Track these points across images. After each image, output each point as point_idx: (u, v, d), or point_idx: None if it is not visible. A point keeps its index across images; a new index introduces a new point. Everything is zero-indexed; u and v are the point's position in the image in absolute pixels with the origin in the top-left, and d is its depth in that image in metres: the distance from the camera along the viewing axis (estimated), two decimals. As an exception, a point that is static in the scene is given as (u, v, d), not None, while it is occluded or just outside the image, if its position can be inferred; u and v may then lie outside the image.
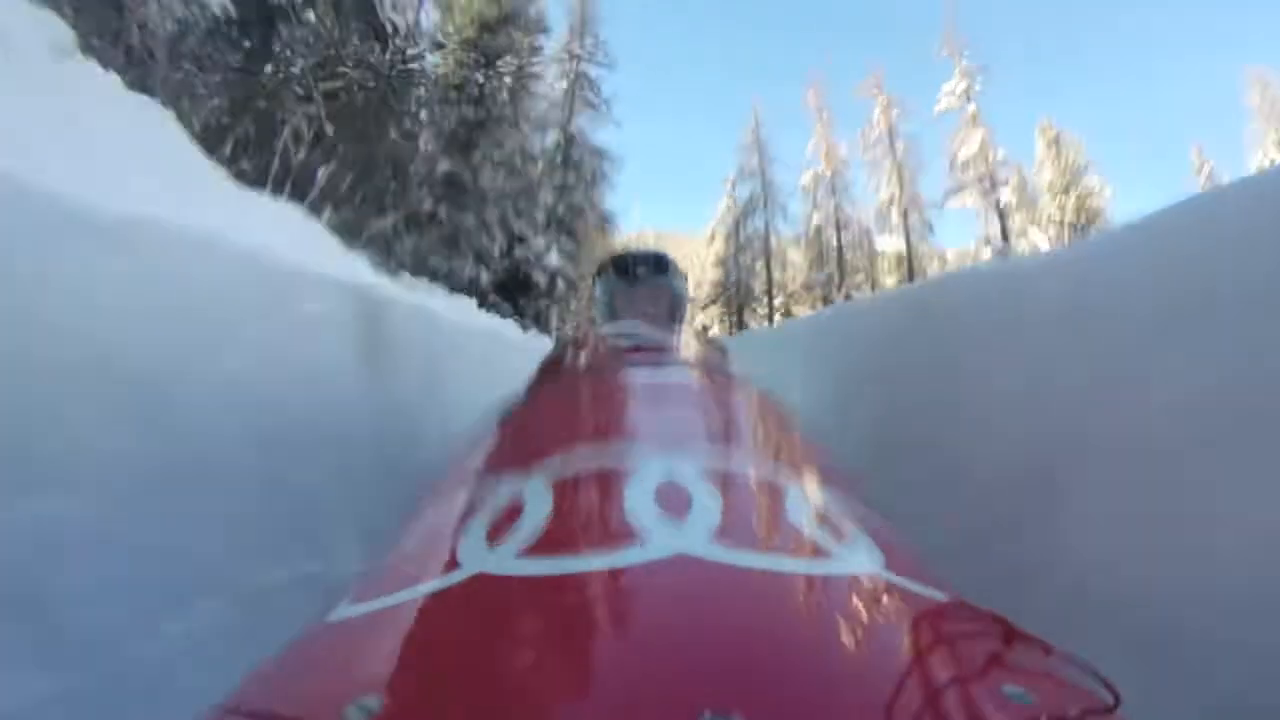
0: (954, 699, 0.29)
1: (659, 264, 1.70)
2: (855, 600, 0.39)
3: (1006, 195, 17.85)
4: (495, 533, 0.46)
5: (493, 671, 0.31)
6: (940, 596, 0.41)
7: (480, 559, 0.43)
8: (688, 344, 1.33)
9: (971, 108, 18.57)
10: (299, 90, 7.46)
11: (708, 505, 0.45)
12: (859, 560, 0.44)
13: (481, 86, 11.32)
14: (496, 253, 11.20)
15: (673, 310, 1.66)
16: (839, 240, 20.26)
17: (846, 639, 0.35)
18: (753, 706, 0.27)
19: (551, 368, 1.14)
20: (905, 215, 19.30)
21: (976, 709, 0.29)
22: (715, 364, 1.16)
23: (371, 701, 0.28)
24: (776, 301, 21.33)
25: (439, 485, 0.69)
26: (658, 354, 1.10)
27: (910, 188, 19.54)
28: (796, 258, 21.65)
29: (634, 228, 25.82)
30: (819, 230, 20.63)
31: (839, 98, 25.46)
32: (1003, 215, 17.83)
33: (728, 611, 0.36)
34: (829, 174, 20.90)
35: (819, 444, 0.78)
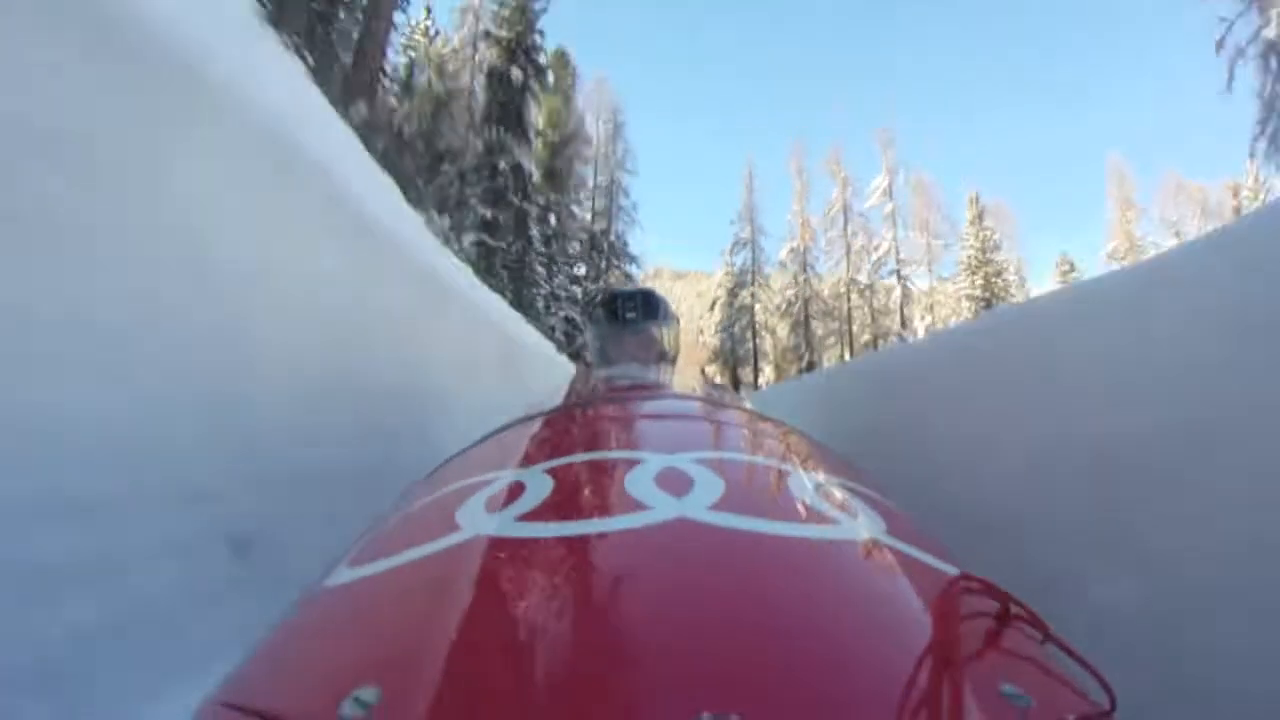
0: (953, 698, 0.27)
1: (648, 305, 1.67)
2: (856, 563, 0.39)
3: (909, 286, 22.82)
4: (494, 505, 0.45)
5: (490, 648, 0.31)
6: (940, 563, 0.42)
7: (480, 523, 0.42)
8: (686, 382, 1.37)
9: (890, 206, 22.82)
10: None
11: (709, 483, 0.45)
12: (860, 526, 0.44)
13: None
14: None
15: (662, 354, 1.66)
16: (806, 312, 23.70)
17: (847, 604, 0.35)
18: (752, 673, 0.27)
19: (557, 399, 1.13)
20: (848, 294, 23.30)
21: (975, 710, 0.28)
22: (717, 395, 1.21)
23: (369, 694, 0.28)
24: (768, 364, 23.62)
25: (435, 477, 0.68)
26: (657, 389, 1.12)
27: (858, 268, 23.25)
28: (781, 326, 24.22)
29: (651, 264, 26.80)
30: (791, 302, 24.02)
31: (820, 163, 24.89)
32: (903, 305, 22.51)
33: (728, 575, 0.35)
34: (802, 248, 24.08)
35: (820, 443, 0.79)
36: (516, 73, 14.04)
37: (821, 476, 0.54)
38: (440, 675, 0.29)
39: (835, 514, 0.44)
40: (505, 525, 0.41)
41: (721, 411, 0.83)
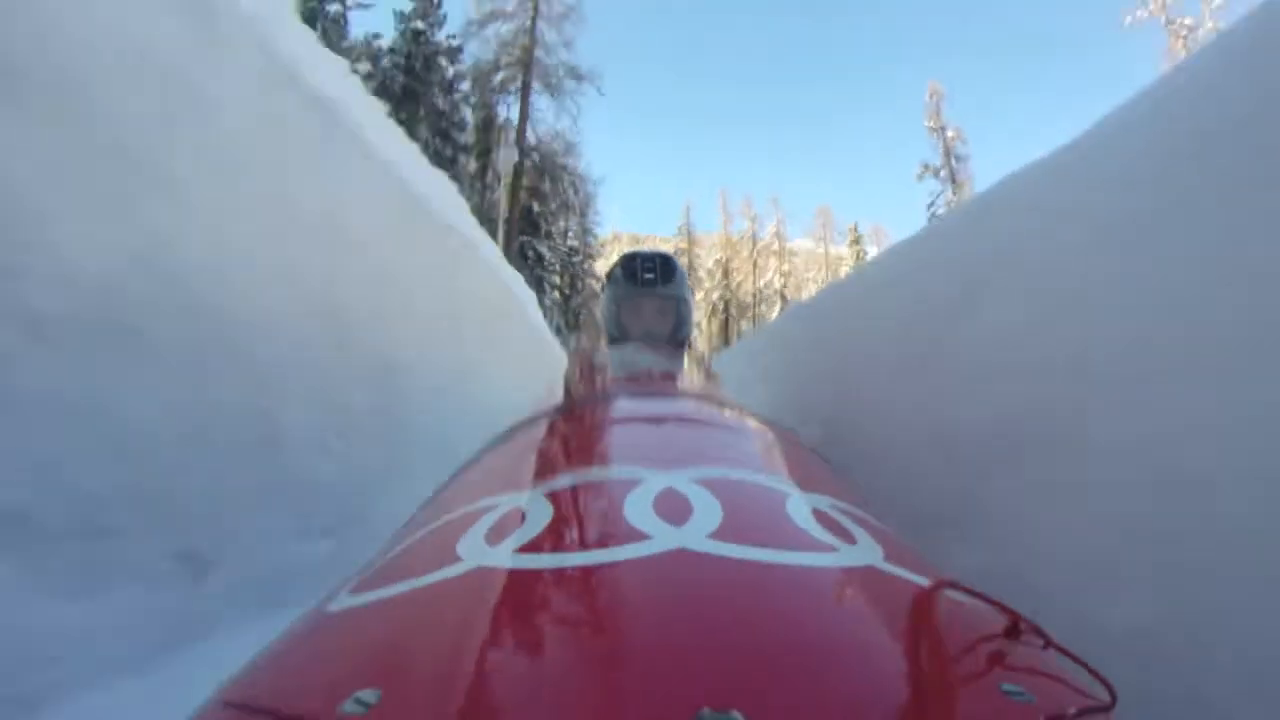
0: (954, 695, 0.28)
1: (666, 267, 1.70)
2: (854, 591, 0.39)
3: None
4: (495, 536, 0.45)
5: (491, 661, 0.31)
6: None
7: (480, 554, 0.42)
8: (688, 371, 1.37)
9: (775, 245, 29.68)
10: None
11: (707, 509, 0.45)
12: (858, 554, 0.44)
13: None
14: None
15: (679, 319, 1.69)
16: (727, 312, 29.11)
17: (846, 631, 0.34)
18: (752, 701, 0.26)
19: (555, 396, 1.13)
20: (755, 299, 28.87)
21: (977, 706, 0.28)
22: (715, 390, 1.20)
23: (369, 695, 0.28)
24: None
25: (439, 500, 0.69)
26: (658, 382, 1.12)
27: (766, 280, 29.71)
28: (713, 323, 29.51)
29: (609, 229, 30.30)
30: (715, 306, 29.70)
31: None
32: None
33: (728, 602, 0.35)
34: (724, 260, 30.72)
35: (819, 458, 0.78)
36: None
37: (820, 500, 0.54)
38: (439, 688, 0.29)
39: (833, 541, 0.45)
40: (505, 557, 0.41)
41: (724, 415, 0.83)
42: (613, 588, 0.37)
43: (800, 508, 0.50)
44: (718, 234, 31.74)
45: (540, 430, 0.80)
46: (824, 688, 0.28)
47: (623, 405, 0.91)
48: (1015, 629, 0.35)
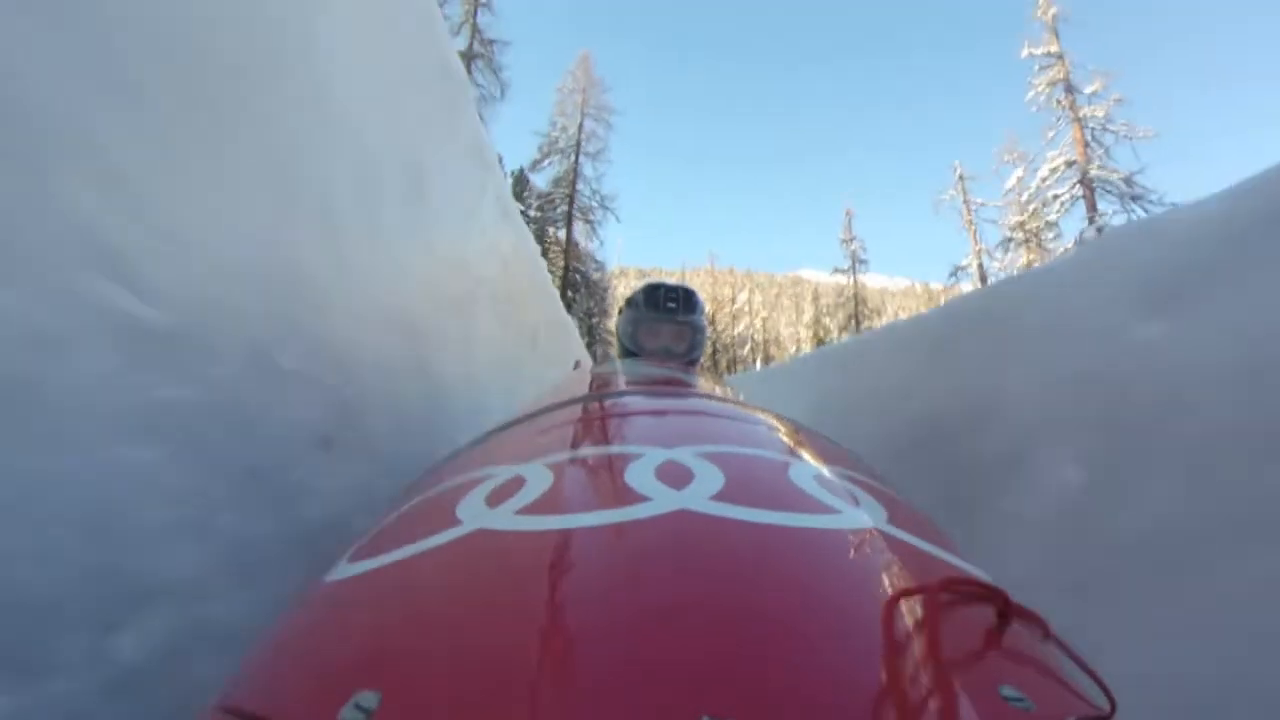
0: (951, 698, 0.27)
1: (688, 300, 1.79)
2: (858, 555, 0.38)
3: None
4: (495, 499, 0.45)
5: (491, 641, 0.30)
6: (941, 553, 0.42)
7: (480, 517, 0.42)
8: (694, 377, 1.33)
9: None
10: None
11: (709, 476, 0.44)
12: (862, 516, 0.43)
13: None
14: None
15: (693, 343, 1.77)
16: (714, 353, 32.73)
17: (848, 595, 0.34)
18: (750, 676, 0.26)
19: (556, 392, 1.12)
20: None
21: (974, 712, 0.28)
22: (724, 388, 1.20)
23: (369, 699, 0.27)
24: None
25: (436, 471, 0.69)
26: (658, 384, 1.11)
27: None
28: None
29: (615, 263, 32.24)
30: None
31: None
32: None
33: (730, 562, 0.35)
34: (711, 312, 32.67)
35: (829, 439, 0.78)
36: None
37: (823, 466, 0.53)
38: (440, 675, 0.28)
39: (837, 503, 0.44)
40: (505, 519, 0.40)
41: (724, 406, 0.82)
42: (614, 550, 0.36)
43: (803, 473, 0.49)
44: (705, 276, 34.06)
45: (541, 418, 0.80)
46: (822, 680, 0.27)
47: (629, 398, 0.90)
48: (1016, 619, 0.34)
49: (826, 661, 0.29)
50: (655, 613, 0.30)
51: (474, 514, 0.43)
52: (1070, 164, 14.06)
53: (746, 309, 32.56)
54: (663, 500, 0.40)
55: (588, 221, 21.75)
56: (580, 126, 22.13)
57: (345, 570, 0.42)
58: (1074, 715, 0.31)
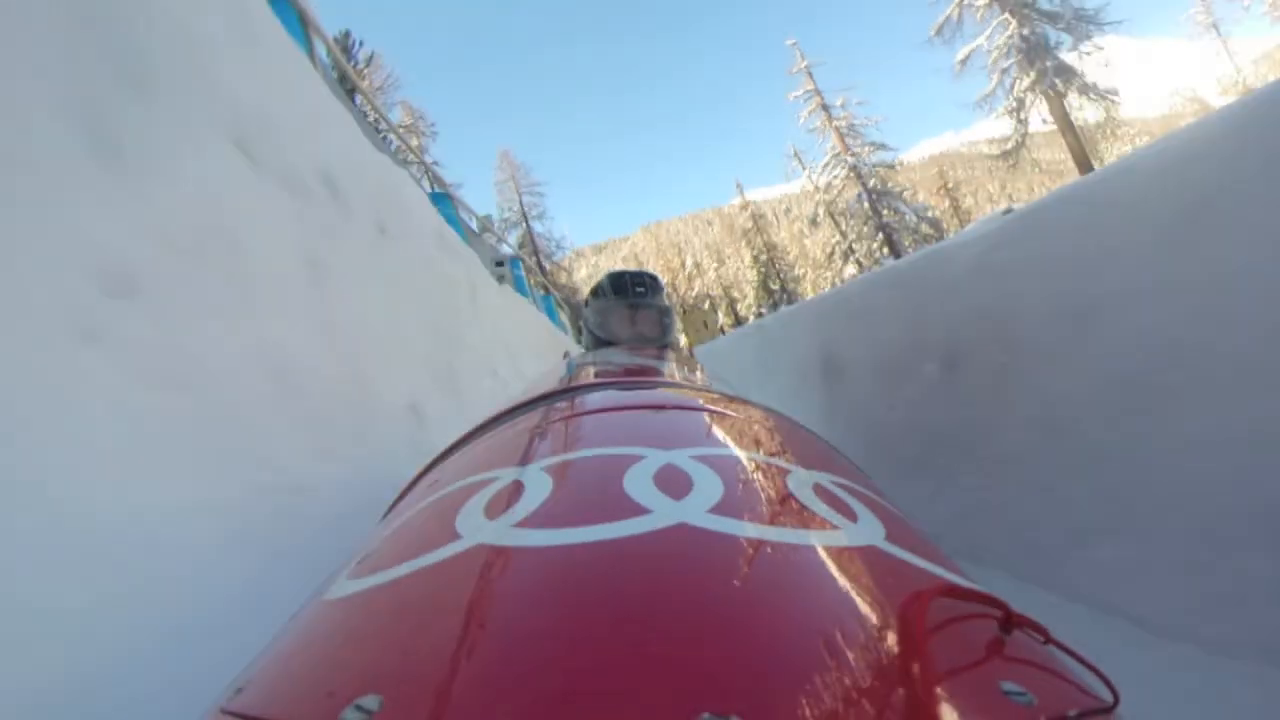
0: (952, 694, 0.28)
1: (654, 283, 1.83)
2: (855, 574, 0.39)
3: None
4: (493, 510, 0.45)
5: (492, 653, 0.31)
6: (940, 571, 0.42)
7: (479, 531, 0.42)
8: (677, 364, 1.34)
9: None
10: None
11: (708, 484, 0.45)
12: (860, 533, 0.44)
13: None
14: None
15: (665, 326, 1.80)
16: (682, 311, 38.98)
17: (844, 613, 0.34)
18: (751, 683, 0.27)
19: (542, 386, 1.10)
20: None
21: (975, 706, 0.28)
22: (710, 379, 1.19)
23: (370, 702, 0.28)
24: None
25: (435, 474, 0.70)
26: (648, 376, 1.10)
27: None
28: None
29: (571, 247, 37.85)
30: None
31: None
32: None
33: (728, 578, 0.35)
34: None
35: (820, 439, 0.78)
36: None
37: (821, 477, 0.53)
38: (442, 685, 0.29)
39: (835, 518, 0.44)
40: (505, 533, 0.41)
41: (719, 402, 0.82)
42: (614, 565, 0.36)
43: (802, 483, 0.50)
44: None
45: (537, 411, 0.80)
46: (822, 689, 0.27)
47: (618, 392, 0.88)
48: (1015, 625, 0.34)
49: (826, 666, 0.28)
50: (654, 627, 0.30)
51: (473, 527, 0.43)
52: (836, 155, 21.95)
53: (697, 269, 38.51)
54: (662, 513, 0.40)
55: (550, 259, 30.34)
56: (521, 203, 30.99)
57: (346, 587, 0.43)
58: (1077, 708, 0.30)
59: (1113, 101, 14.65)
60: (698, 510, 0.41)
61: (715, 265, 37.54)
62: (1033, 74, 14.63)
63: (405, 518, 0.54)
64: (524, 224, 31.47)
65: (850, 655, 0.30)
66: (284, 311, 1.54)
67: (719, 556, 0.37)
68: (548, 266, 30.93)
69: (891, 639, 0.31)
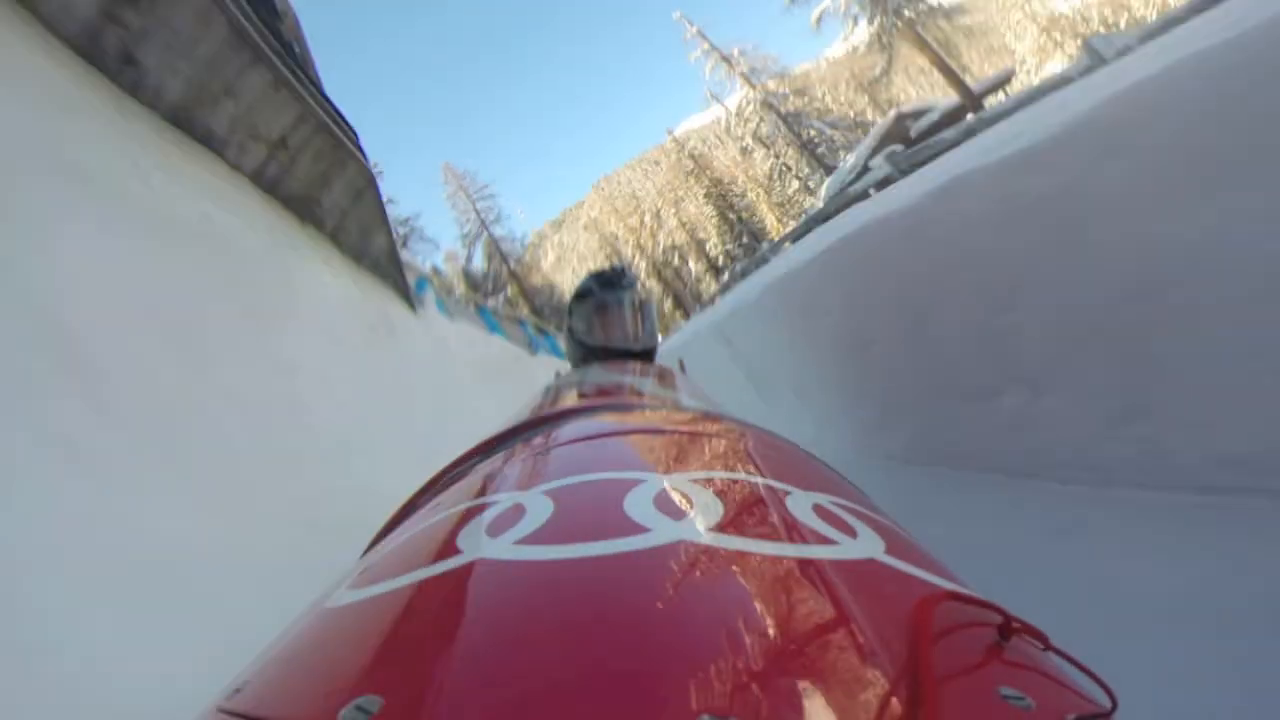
0: (950, 700, 0.28)
1: (626, 278, 1.87)
2: (855, 586, 0.39)
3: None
4: (495, 529, 0.46)
5: (492, 660, 0.31)
6: (940, 582, 0.42)
7: (481, 547, 0.43)
8: (672, 383, 1.35)
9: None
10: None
11: (709, 506, 0.46)
12: (859, 547, 0.44)
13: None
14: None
15: (651, 331, 1.82)
16: None
17: (843, 622, 0.34)
18: (751, 693, 0.27)
19: (538, 409, 1.12)
20: None
21: (974, 712, 0.29)
22: (700, 399, 1.19)
23: (370, 702, 0.28)
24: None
25: (434, 496, 0.71)
26: (644, 398, 1.11)
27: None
28: None
29: (530, 231, 40.95)
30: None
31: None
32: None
33: (729, 593, 0.36)
34: None
35: (819, 460, 0.79)
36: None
37: (821, 498, 0.53)
38: (442, 687, 0.29)
39: (834, 534, 0.44)
40: (506, 549, 0.41)
41: (718, 425, 0.83)
42: (612, 581, 0.37)
43: (801, 503, 0.50)
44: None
45: (536, 435, 0.81)
46: (821, 697, 0.27)
47: (617, 417, 0.89)
48: (1014, 632, 0.34)
49: (825, 674, 0.29)
50: (654, 637, 0.31)
51: (475, 544, 0.43)
52: (746, 95, 24.36)
53: (658, 221, 39.18)
54: (662, 531, 0.40)
55: (519, 261, 31.89)
56: (476, 210, 32.39)
57: (345, 596, 0.43)
58: (1075, 714, 0.31)
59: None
60: (698, 529, 0.41)
61: (674, 211, 38.07)
62: (879, 18, 16.63)
63: (405, 537, 0.55)
64: (485, 232, 32.88)
65: (849, 662, 0.30)
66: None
67: (719, 569, 0.37)
68: (517, 269, 32.57)
69: (891, 647, 0.31)
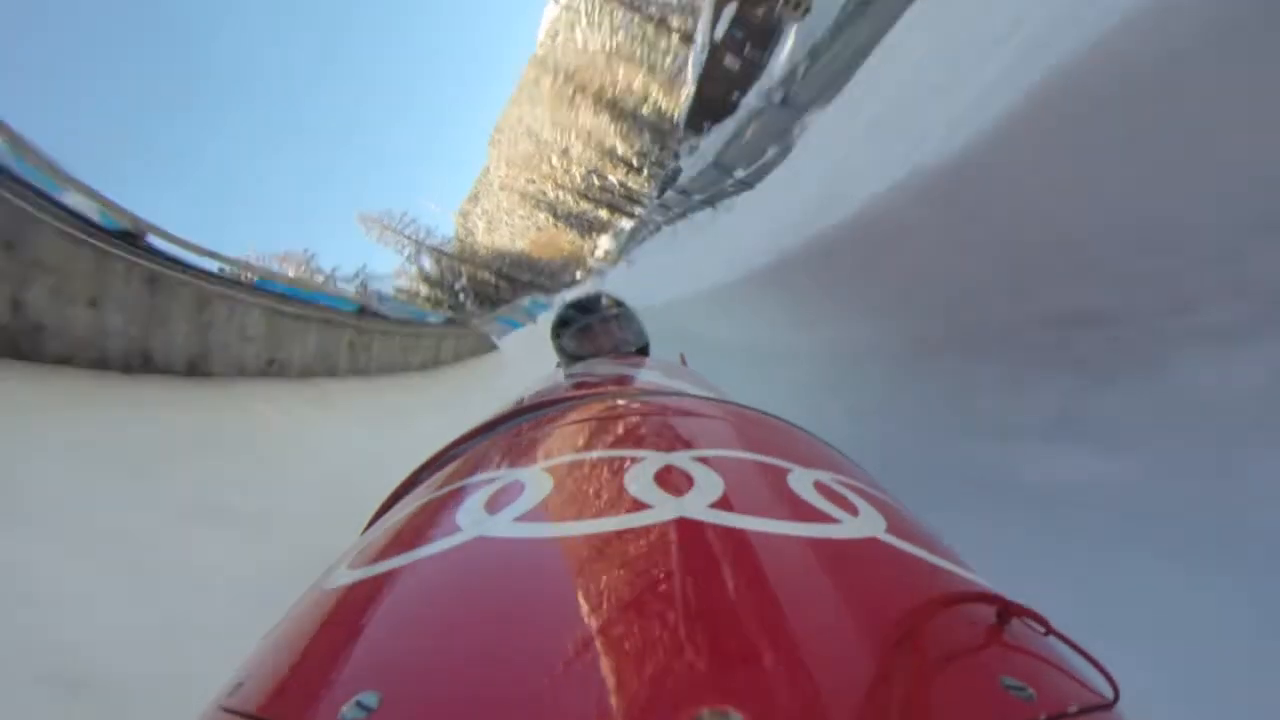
0: (952, 689, 0.28)
1: (604, 300, 1.90)
2: (857, 565, 0.38)
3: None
4: (494, 506, 0.45)
5: (489, 647, 0.30)
6: (940, 561, 0.42)
7: (479, 524, 0.42)
8: (671, 371, 1.35)
9: None
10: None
11: (708, 482, 0.45)
12: (861, 526, 0.43)
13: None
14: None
15: (640, 334, 1.85)
16: None
17: (846, 603, 0.34)
18: (749, 676, 0.27)
19: (545, 390, 1.12)
20: None
21: (976, 701, 0.28)
22: (703, 385, 1.17)
23: (370, 699, 0.28)
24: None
25: (433, 473, 0.70)
26: (644, 382, 1.11)
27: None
28: None
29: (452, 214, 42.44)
30: None
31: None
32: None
33: (729, 570, 0.35)
34: None
35: (819, 440, 0.78)
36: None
37: (822, 474, 0.53)
38: (440, 678, 0.29)
39: (836, 512, 0.44)
40: (505, 526, 0.41)
41: (718, 406, 0.82)
42: (612, 559, 0.36)
43: (802, 480, 0.49)
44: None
45: (536, 415, 0.80)
46: (822, 681, 0.27)
47: (617, 397, 0.88)
48: (1014, 616, 0.34)
49: (825, 658, 0.29)
50: (654, 619, 0.30)
51: (473, 520, 0.43)
52: None
53: (567, 156, 38.86)
54: (663, 508, 0.40)
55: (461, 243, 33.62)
56: (407, 238, 33.86)
57: (345, 576, 0.43)
58: (1077, 703, 0.31)
59: None
60: (698, 506, 0.40)
61: (576, 137, 38.33)
62: None
63: (405, 514, 0.54)
64: (424, 253, 34.47)
65: (850, 648, 0.30)
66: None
67: (718, 549, 0.37)
68: (462, 253, 34.54)
69: (892, 632, 0.30)
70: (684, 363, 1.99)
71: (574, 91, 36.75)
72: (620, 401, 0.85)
